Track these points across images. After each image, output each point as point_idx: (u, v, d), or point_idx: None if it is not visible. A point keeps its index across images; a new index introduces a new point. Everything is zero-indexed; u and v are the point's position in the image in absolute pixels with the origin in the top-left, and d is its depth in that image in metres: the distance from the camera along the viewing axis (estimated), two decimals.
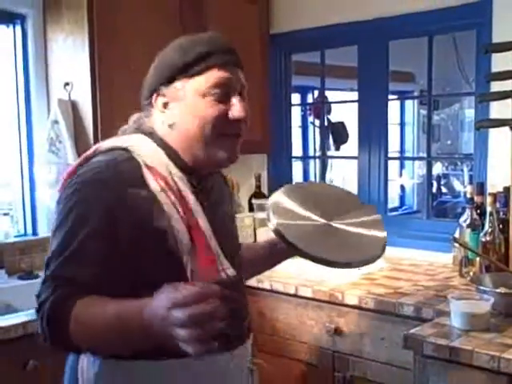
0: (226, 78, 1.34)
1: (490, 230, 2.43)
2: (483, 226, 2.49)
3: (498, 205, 2.45)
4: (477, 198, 2.59)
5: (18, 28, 2.79)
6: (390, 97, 3.18)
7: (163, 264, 1.30)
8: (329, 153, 3.74)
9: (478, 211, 2.57)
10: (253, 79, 3.27)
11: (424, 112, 6.86)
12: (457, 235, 2.62)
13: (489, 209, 2.44)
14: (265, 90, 3.33)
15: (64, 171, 2.63)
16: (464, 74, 5.98)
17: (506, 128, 2.34)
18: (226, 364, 1.39)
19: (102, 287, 1.24)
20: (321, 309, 2.47)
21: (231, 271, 1.36)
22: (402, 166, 6.62)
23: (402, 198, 6.83)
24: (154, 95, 1.38)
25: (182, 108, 1.35)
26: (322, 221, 1.56)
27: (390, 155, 3.21)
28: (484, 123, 2.32)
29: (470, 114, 6.94)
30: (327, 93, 4.10)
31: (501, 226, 2.44)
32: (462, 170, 7.00)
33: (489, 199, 2.45)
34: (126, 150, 1.35)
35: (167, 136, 1.39)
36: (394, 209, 6.26)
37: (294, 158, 3.77)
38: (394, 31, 2.99)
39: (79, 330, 1.21)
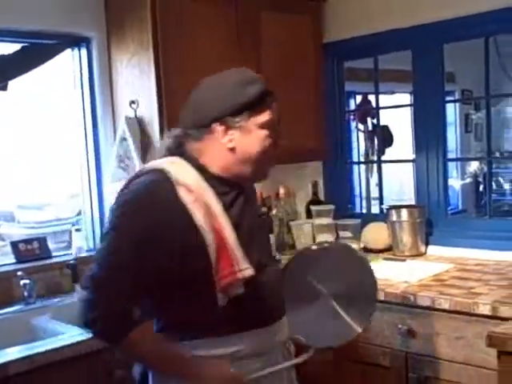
0: (276, 114, 1.62)
1: None
2: None
3: None
4: None
5: (84, 50, 2.91)
6: (448, 98, 3.20)
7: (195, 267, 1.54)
8: (382, 157, 3.78)
9: None
10: (307, 88, 3.35)
11: (467, 112, 6.85)
12: None
13: None
14: (319, 98, 3.38)
15: None
16: (506, 73, 5.96)
17: None
18: (266, 337, 1.62)
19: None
20: (393, 311, 2.50)
21: (249, 272, 1.56)
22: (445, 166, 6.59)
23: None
24: (217, 123, 1.57)
25: (244, 136, 1.58)
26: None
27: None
28: None
29: (511, 111, 6.91)
30: (369, 97, 4.14)
31: None
32: (507, 168, 6.95)
33: None
34: (161, 171, 1.56)
35: (223, 158, 1.59)
36: None
37: (354, 163, 3.82)
38: (449, 34, 3.02)
39: (151, 352, 1.56)
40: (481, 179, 6.51)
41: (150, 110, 2.75)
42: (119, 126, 2.83)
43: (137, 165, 2.75)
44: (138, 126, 2.80)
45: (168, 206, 1.52)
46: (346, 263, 1.86)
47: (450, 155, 6.65)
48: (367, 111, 4.62)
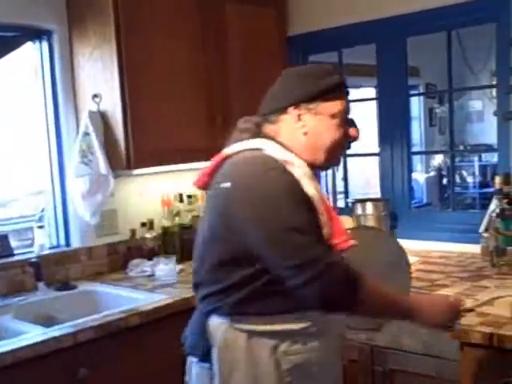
0: (347, 105, 1.71)
1: None
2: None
3: None
4: (505, 188, 2.64)
5: (45, 44, 2.84)
6: (412, 92, 3.23)
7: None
8: (348, 151, 3.79)
9: (507, 201, 2.62)
10: (272, 81, 3.33)
11: (431, 106, 6.93)
12: (483, 226, 2.67)
13: None
14: None
15: (96, 182, 2.71)
16: (469, 67, 6.06)
17: None
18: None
19: None
20: None
21: (353, 242, 1.69)
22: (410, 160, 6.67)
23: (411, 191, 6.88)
24: (292, 107, 1.67)
25: (317, 122, 1.68)
26: None
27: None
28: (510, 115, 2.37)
29: (475, 105, 7.02)
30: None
31: None
32: (470, 161, 7.06)
33: None
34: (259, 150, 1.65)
35: (297, 140, 1.69)
36: None
37: None
38: (412, 28, 3.05)
39: (373, 296, 1.60)
40: (445, 173, 6.61)
41: (113, 104, 2.71)
42: (82, 121, 2.78)
43: (100, 159, 2.72)
44: (101, 120, 2.76)
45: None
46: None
47: (415, 149, 6.74)
48: None
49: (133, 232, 3.05)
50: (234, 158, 1.66)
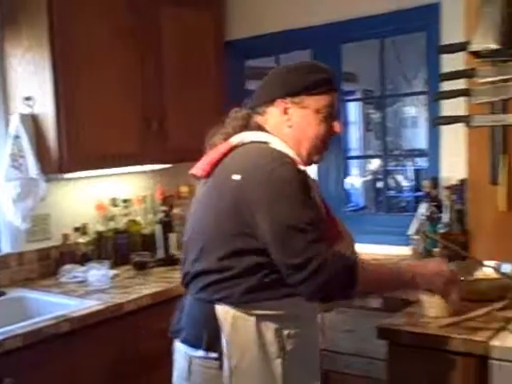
0: (334, 101, 1.78)
1: (448, 221, 2.56)
2: (440, 218, 2.62)
3: (454, 197, 2.59)
4: (433, 192, 2.72)
5: None
6: (348, 98, 3.29)
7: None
8: None
9: (434, 204, 2.70)
10: (209, 85, 3.35)
11: (368, 111, 7.07)
12: (413, 228, 2.74)
13: (446, 202, 2.57)
14: (221, 96, 3.38)
15: (26, 186, 2.64)
16: (403, 74, 6.21)
17: (456, 124, 2.47)
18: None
19: None
20: None
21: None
22: (346, 164, 6.79)
23: (348, 195, 7.01)
24: (279, 100, 1.74)
25: (302, 116, 1.75)
26: None
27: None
28: (440, 120, 2.44)
29: (410, 111, 7.20)
30: None
31: (458, 217, 2.57)
32: (404, 166, 7.23)
33: (445, 192, 2.58)
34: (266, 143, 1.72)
35: (282, 132, 1.75)
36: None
37: None
38: (346, 34, 3.11)
39: (367, 276, 1.62)
40: (381, 177, 6.75)
41: (45, 107, 2.66)
42: (12, 123, 2.71)
43: (30, 163, 2.66)
44: (33, 123, 2.70)
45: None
46: None
47: (354, 153, 6.89)
48: None
49: (65, 237, 2.99)
50: (242, 150, 1.70)
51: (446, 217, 2.57)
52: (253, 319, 1.65)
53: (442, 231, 2.58)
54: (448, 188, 2.59)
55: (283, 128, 1.75)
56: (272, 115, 1.77)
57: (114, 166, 2.90)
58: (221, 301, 1.65)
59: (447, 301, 1.88)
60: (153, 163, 3.15)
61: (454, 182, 2.68)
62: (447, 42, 2.59)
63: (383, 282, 1.73)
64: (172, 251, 3.10)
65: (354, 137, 6.92)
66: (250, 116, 1.79)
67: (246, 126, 1.77)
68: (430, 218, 2.67)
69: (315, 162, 1.84)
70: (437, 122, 2.40)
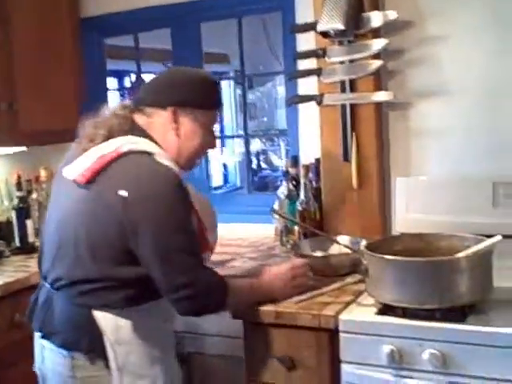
0: (217, 118, 1.95)
1: (305, 199, 2.61)
2: (298, 196, 2.66)
3: (310, 175, 2.64)
4: (292, 171, 2.76)
5: None
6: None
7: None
8: None
9: (294, 182, 2.74)
10: (66, 64, 3.20)
11: (240, 92, 7.08)
12: (276, 207, 2.78)
13: (302, 180, 2.62)
14: (79, 76, 3.25)
15: None
16: (274, 54, 6.25)
17: (313, 103, 2.52)
18: None
19: None
20: None
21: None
22: (222, 145, 6.80)
23: (225, 176, 7.03)
24: (171, 108, 1.80)
25: (190, 128, 1.83)
26: None
27: None
28: (294, 99, 2.48)
29: (282, 91, 7.29)
30: (144, 76, 4.09)
31: (314, 194, 2.63)
32: (279, 145, 7.34)
33: (302, 171, 2.62)
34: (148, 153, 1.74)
35: (166, 138, 1.82)
36: (219, 187, 6.43)
37: None
38: (205, 13, 3.07)
39: (232, 297, 1.81)
40: (253, 157, 6.83)
41: None
42: None
43: None
44: None
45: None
46: None
47: (228, 133, 6.89)
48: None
49: None
50: (128, 162, 1.70)
51: (303, 195, 2.62)
52: (130, 320, 1.73)
53: (299, 209, 2.62)
54: (305, 166, 2.63)
55: (169, 135, 1.81)
56: (159, 119, 1.81)
57: None
58: (101, 307, 1.71)
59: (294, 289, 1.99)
60: (4, 146, 2.97)
61: (311, 160, 2.73)
62: (301, 22, 2.64)
63: (246, 300, 1.93)
64: (30, 239, 2.97)
65: (227, 118, 6.93)
66: (134, 113, 1.82)
67: (131, 129, 1.78)
68: (288, 196, 2.71)
69: (186, 170, 1.92)
70: (290, 101, 2.44)
